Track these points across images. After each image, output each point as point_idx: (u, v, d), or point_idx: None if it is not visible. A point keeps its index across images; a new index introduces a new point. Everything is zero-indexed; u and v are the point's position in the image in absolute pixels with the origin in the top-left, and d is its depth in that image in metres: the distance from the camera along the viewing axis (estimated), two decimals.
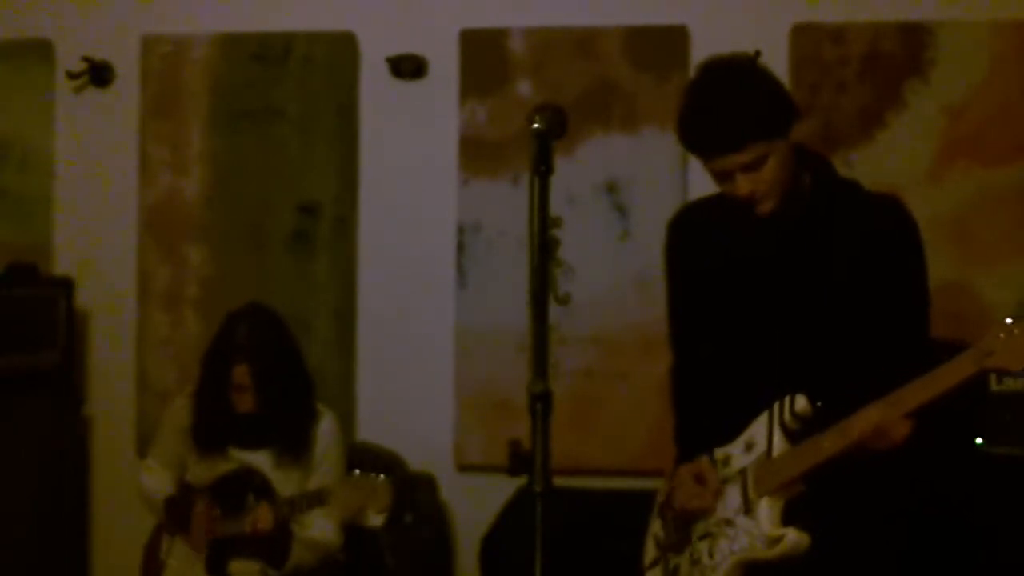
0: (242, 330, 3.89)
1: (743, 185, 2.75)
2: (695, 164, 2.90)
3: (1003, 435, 3.89)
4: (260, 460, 3.91)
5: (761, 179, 2.74)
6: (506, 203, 4.71)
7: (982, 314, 4.36)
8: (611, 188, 4.70)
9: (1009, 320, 2.52)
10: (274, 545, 3.80)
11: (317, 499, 3.73)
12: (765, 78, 2.82)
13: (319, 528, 3.87)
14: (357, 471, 3.70)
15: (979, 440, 3.90)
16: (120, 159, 5.00)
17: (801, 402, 2.75)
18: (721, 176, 2.78)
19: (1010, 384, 3.89)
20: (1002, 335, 2.52)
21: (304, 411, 3.94)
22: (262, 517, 3.75)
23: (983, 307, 4.42)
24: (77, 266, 4.95)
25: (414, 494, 4.54)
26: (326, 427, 3.95)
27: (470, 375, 4.77)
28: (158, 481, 4.02)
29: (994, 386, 3.90)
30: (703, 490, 2.88)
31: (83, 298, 4.90)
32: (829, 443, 2.70)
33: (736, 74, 2.80)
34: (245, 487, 3.85)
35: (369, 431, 4.68)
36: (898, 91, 4.56)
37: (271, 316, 3.98)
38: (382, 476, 3.62)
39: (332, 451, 3.94)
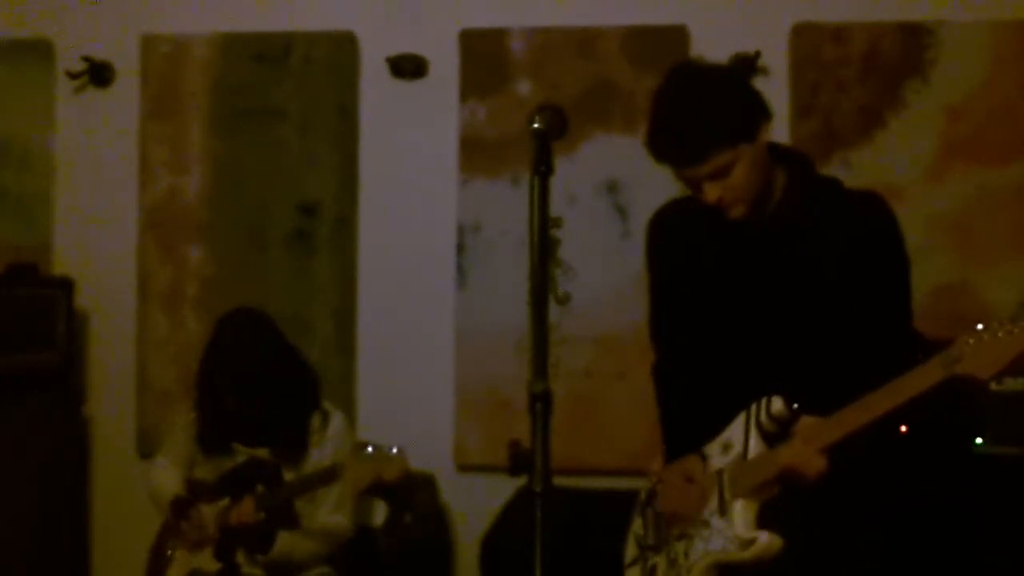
0: (227, 335, 3.94)
1: (710, 192, 2.77)
2: None
3: (1003, 435, 3.89)
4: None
5: (728, 185, 2.76)
6: (506, 203, 4.71)
7: (982, 314, 4.32)
8: (611, 188, 4.71)
9: (980, 326, 2.51)
10: (256, 534, 3.83)
11: (330, 475, 3.75)
12: (727, 85, 2.82)
13: (330, 515, 3.91)
14: (370, 447, 3.72)
15: (979, 440, 3.90)
16: (120, 159, 5.00)
17: (777, 404, 2.75)
18: (690, 184, 2.80)
19: (1010, 384, 3.89)
20: (971, 341, 2.51)
21: (301, 409, 3.96)
22: (244, 510, 3.79)
23: (983, 307, 4.42)
24: (77, 266, 4.95)
25: (414, 494, 4.54)
26: (336, 427, 3.99)
27: (470, 375, 4.77)
28: (168, 479, 4.05)
29: (994, 386, 3.89)
30: (692, 489, 2.89)
31: (83, 298, 4.90)
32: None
33: (696, 84, 2.80)
34: (254, 478, 3.88)
35: (369, 431, 4.67)
36: (898, 91, 4.56)
37: (256, 318, 4.00)
38: (395, 448, 3.65)
39: (343, 449, 3.96)
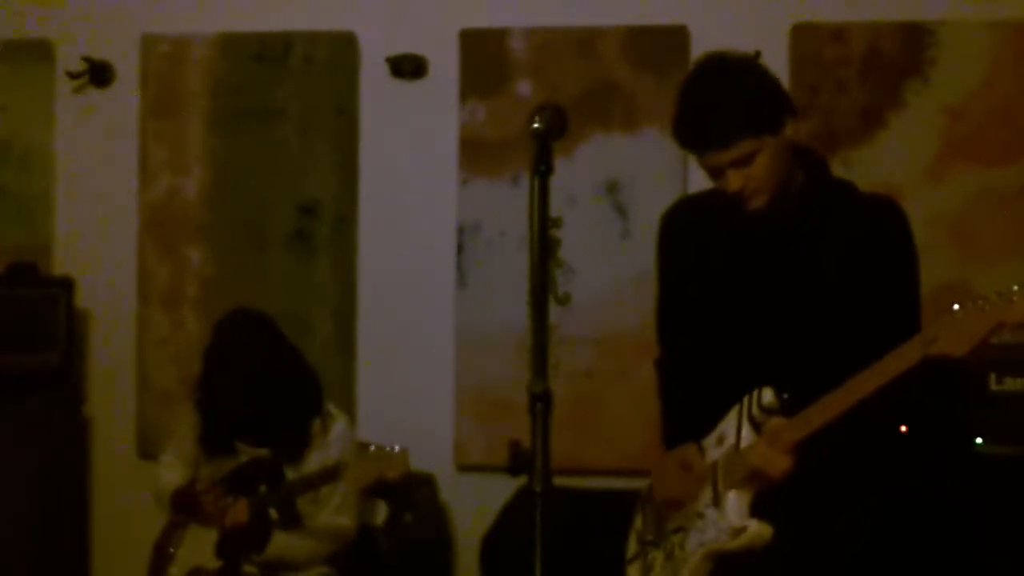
0: (228, 335, 3.93)
1: (734, 181, 2.77)
2: (695, 163, 2.91)
3: (1003, 435, 3.89)
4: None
5: (752, 175, 2.76)
6: (506, 203, 4.71)
7: None
8: (611, 188, 4.71)
9: (956, 307, 2.53)
10: (248, 538, 3.83)
11: (332, 474, 3.75)
12: (757, 75, 2.83)
13: (333, 517, 3.90)
14: (373, 445, 3.72)
15: (979, 440, 3.90)
16: (120, 159, 5.00)
17: (768, 395, 2.77)
18: (713, 172, 2.81)
19: (1010, 384, 3.89)
20: (947, 321, 2.53)
21: (302, 409, 3.96)
22: (237, 512, 3.79)
23: None
24: (77, 266, 4.95)
25: (414, 494, 4.54)
26: (338, 432, 3.98)
27: (470, 375, 4.77)
28: (173, 478, 4.04)
29: (994, 386, 3.90)
30: (688, 476, 2.90)
31: (83, 298, 4.90)
32: (789, 434, 2.72)
33: (726, 71, 2.82)
34: (257, 478, 3.88)
35: (369, 431, 4.67)
36: (898, 91, 4.56)
37: (257, 318, 4.00)
38: (397, 447, 3.65)
39: (346, 452, 3.94)
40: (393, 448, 3.64)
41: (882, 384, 2.59)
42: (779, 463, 2.69)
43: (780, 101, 2.80)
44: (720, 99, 2.75)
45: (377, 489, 3.80)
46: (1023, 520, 3.82)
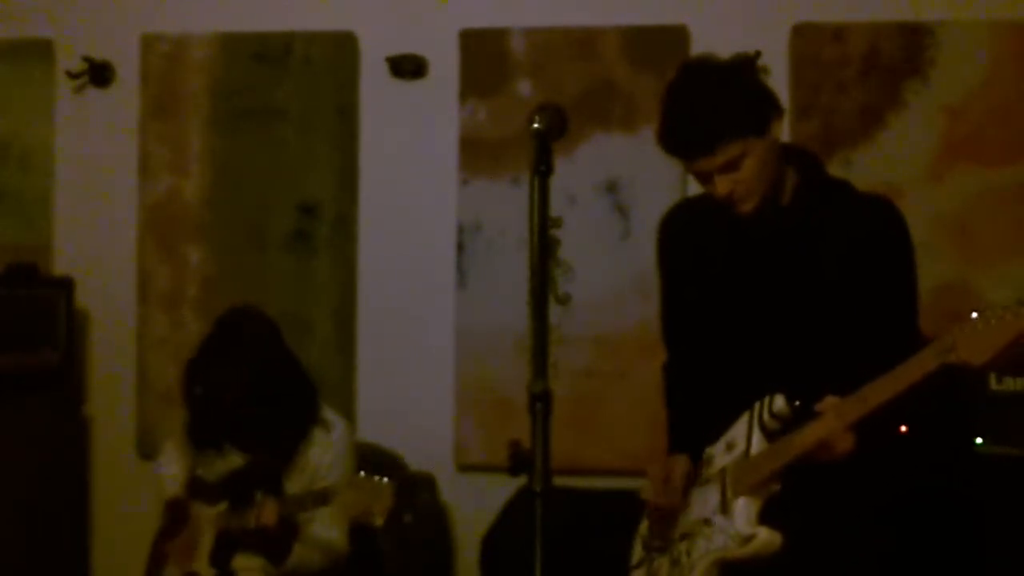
0: (229, 333, 3.89)
1: (721, 186, 2.76)
2: None
3: (1003, 435, 3.90)
4: None
5: (739, 179, 2.75)
6: (506, 203, 4.71)
7: None
8: (611, 188, 4.71)
9: (975, 315, 2.52)
10: (276, 542, 3.79)
11: (322, 498, 3.72)
12: (737, 78, 2.83)
13: (326, 530, 3.86)
14: (362, 472, 3.69)
15: (979, 440, 3.90)
16: (120, 159, 5.00)
17: (779, 402, 2.76)
18: (702, 177, 2.80)
19: (1010, 384, 3.89)
20: (965, 329, 2.52)
21: (295, 416, 3.90)
22: (267, 512, 3.75)
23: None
24: (77, 266, 4.95)
25: (414, 494, 4.54)
26: (337, 437, 3.93)
27: (470, 375, 4.77)
28: (168, 478, 4.01)
29: (994, 386, 3.90)
30: (667, 488, 2.90)
31: (83, 298, 4.90)
32: (799, 441, 2.71)
33: (706, 76, 2.81)
34: (255, 483, 3.85)
35: (369, 431, 4.67)
36: (898, 91, 4.56)
37: (262, 321, 3.94)
38: (385, 479, 3.62)
39: (342, 462, 3.90)
40: (381, 479, 3.57)
41: (899, 392, 2.57)
42: (847, 439, 2.65)
43: (762, 102, 2.78)
44: (700, 105, 2.73)
45: (360, 520, 3.74)
46: (1023, 520, 3.82)
